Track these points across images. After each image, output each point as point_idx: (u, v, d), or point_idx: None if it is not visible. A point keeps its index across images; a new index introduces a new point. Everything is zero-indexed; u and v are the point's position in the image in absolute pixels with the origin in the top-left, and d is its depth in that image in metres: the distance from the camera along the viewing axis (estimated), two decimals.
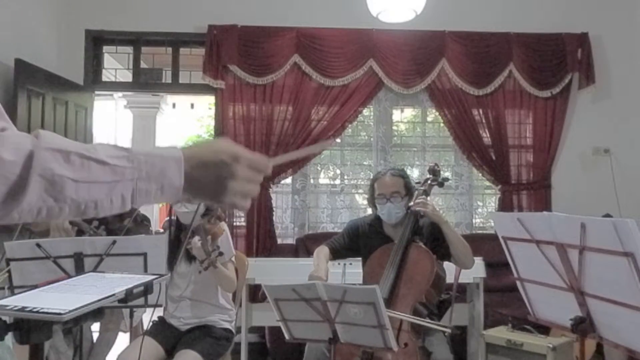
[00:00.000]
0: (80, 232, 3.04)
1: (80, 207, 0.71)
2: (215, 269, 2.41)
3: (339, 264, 3.20)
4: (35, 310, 1.12)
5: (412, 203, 2.67)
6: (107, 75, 5.18)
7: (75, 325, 1.65)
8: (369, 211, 3.94)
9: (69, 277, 1.78)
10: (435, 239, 2.64)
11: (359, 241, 2.80)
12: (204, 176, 0.80)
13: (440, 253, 2.64)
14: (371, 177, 4.43)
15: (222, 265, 2.50)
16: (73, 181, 0.69)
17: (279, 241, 4.78)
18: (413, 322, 2.37)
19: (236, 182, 0.82)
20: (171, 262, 2.62)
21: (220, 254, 2.42)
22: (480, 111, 4.85)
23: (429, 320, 2.44)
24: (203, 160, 0.80)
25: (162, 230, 3.08)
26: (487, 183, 5.03)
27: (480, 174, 4.95)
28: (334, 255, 2.77)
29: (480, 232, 5.00)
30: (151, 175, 0.75)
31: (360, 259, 2.86)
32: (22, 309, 1.12)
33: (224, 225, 2.62)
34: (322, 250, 2.76)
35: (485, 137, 4.86)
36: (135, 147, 0.77)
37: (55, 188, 0.68)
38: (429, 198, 2.72)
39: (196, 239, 2.42)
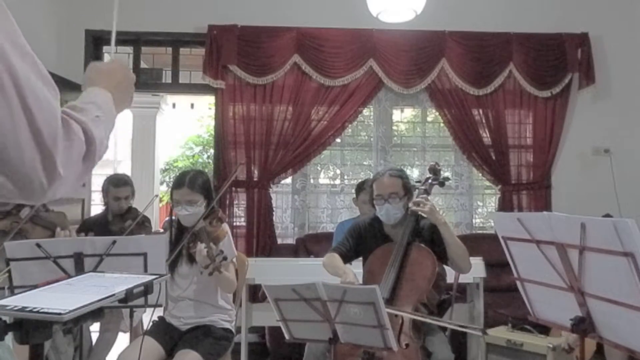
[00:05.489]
0: None
1: (102, 145, 0.89)
2: (219, 274, 2.39)
3: None
4: (35, 310, 1.11)
5: (411, 203, 2.65)
6: None
7: (75, 325, 1.65)
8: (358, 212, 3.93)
9: (69, 277, 1.78)
10: (434, 241, 2.63)
11: (362, 241, 2.80)
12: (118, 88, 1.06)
13: (439, 255, 2.63)
14: (371, 177, 4.44)
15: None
16: (105, 127, 0.92)
17: (279, 241, 4.78)
18: (415, 319, 2.37)
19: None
20: (172, 262, 2.61)
21: (224, 258, 2.40)
22: (480, 111, 4.86)
23: (431, 317, 2.44)
24: (114, 76, 1.08)
25: (162, 230, 3.07)
26: (487, 183, 5.03)
27: (480, 174, 4.95)
28: (343, 260, 2.74)
29: (480, 232, 5.00)
30: (109, 114, 0.97)
31: (360, 258, 2.85)
32: (22, 309, 1.12)
33: (225, 227, 2.61)
34: (335, 257, 2.71)
35: (485, 137, 4.86)
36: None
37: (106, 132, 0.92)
38: (429, 198, 2.70)
39: (202, 245, 2.39)
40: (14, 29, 0.77)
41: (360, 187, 3.85)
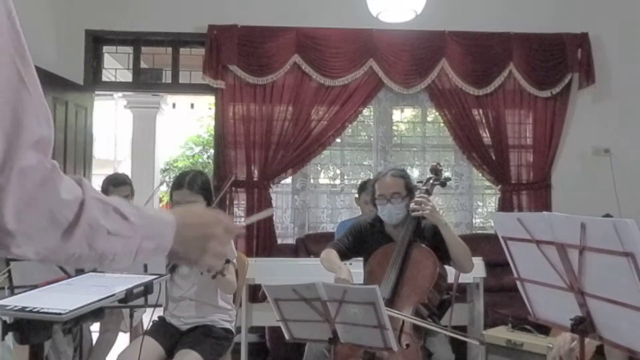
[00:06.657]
0: None
1: (102, 257, 0.76)
2: (223, 277, 2.39)
3: None
4: (35, 310, 1.12)
5: (412, 203, 2.64)
6: (107, 75, 5.18)
7: (75, 325, 1.65)
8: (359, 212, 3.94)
9: (69, 277, 1.78)
10: (436, 241, 2.62)
11: (362, 241, 2.79)
12: (189, 237, 0.87)
13: (440, 255, 2.62)
14: (371, 177, 4.43)
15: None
16: (108, 233, 0.74)
17: (279, 241, 4.78)
18: (415, 323, 2.37)
19: (215, 242, 0.90)
20: (173, 263, 2.61)
21: (228, 261, 2.39)
22: (480, 111, 4.86)
23: (431, 323, 2.44)
24: (189, 222, 0.88)
25: None
26: (487, 183, 5.03)
27: (480, 174, 4.96)
28: (340, 257, 2.73)
29: (480, 232, 5.00)
30: (153, 235, 0.82)
31: (361, 258, 2.85)
32: (22, 309, 1.12)
33: None
34: (332, 253, 2.70)
35: (485, 137, 4.86)
36: (139, 206, 0.83)
37: (94, 237, 0.72)
38: (430, 198, 2.69)
39: None
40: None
41: (362, 187, 3.84)
